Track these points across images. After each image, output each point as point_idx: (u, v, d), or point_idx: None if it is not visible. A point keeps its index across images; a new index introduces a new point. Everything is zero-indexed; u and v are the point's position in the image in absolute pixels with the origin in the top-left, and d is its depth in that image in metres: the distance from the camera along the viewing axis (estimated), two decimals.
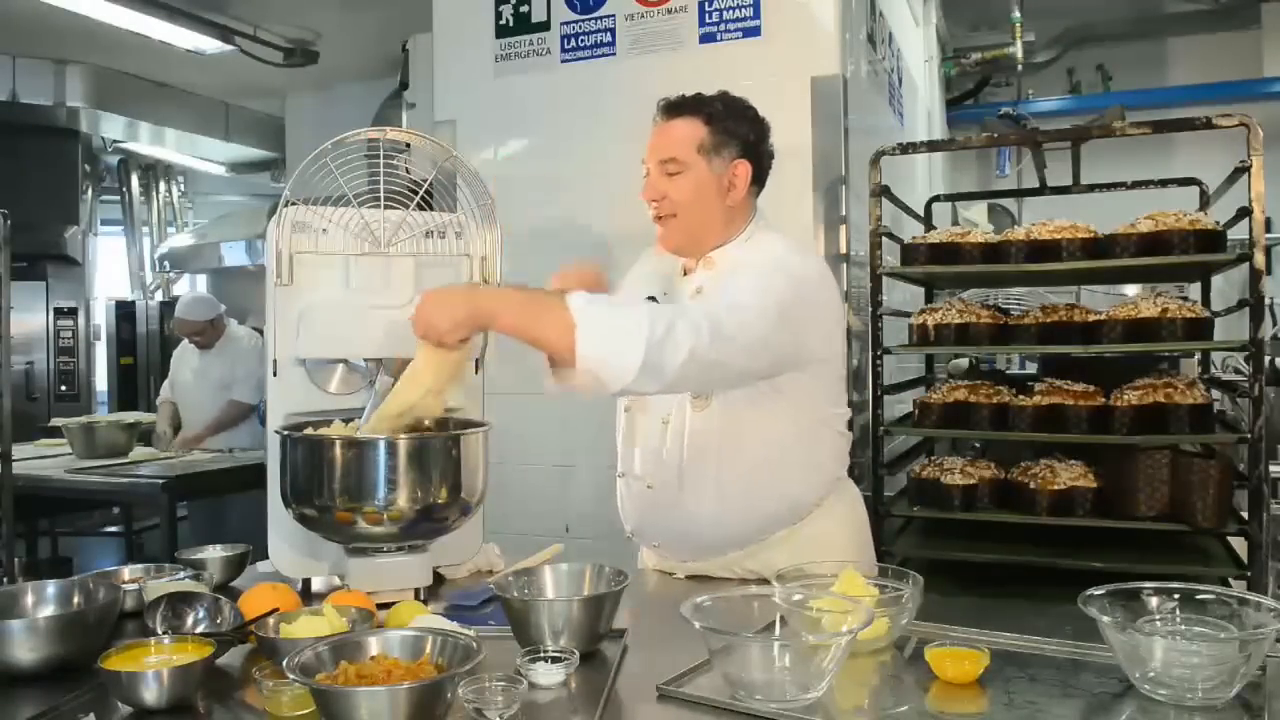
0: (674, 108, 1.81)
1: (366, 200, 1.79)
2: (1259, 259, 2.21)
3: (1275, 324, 4.51)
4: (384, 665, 1.15)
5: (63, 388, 6.92)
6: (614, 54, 3.07)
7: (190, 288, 7.03)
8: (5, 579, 3.51)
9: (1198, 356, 2.98)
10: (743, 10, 2.91)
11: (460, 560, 1.90)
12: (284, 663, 1.12)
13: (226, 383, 4.89)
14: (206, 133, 7.53)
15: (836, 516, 1.87)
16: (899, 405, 3.01)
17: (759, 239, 1.84)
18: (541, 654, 1.29)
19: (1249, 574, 2.21)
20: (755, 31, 2.90)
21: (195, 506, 4.76)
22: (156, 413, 5.12)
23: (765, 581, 1.48)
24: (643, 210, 2.97)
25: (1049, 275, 2.54)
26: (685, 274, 1.89)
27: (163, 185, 8.47)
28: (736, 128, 1.80)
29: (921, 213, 3.04)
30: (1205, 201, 2.73)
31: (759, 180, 1.85)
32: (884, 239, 2.60)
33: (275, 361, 1.79)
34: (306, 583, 1.79)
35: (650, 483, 1.84)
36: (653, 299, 1.87)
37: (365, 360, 1.81)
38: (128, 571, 1.69)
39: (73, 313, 7.07)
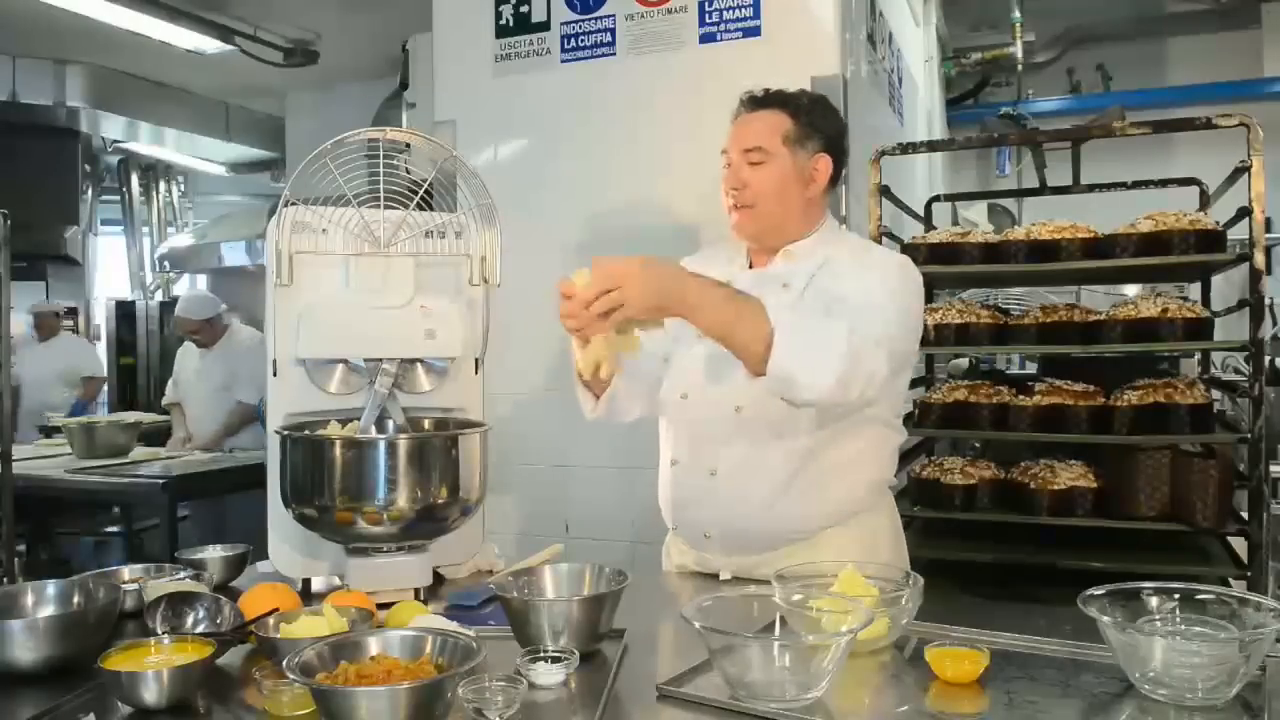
0: (759, 100, 1.82)
1: (366, 200, 1.79)
2: (1259, 259, 2.21)
3: (1275, 324, 4.50)
4: (384, 665, 1.15)
5: None
6: (614, 54, 3.07)
7: (190, 288, 7.03)
8: (5, 579, 3.51)
9: (1198, 356, 2.98)
10: (743, 10, 2.91)
11: (460, 560, 1.89)
12: (284, 663, 1.12)
13: (228, 383, 4.86)
14: (206, 133, 7.53)
15: (884, 516, 1.88)
16: None
17: (839, 236, 1.89)
18: (541, 654, 1.29)
19: (1249, 574, 2.22)
20: (755, 31, 2.90)
21: (196, 506, 4.76)
22: (169, 416, 5.12)
23: (766, 582, 1.48)
24: (643, 210, 2.99)
25: (1049, 275, 2.54)
26: (750, 267, 1.87)
27: (163, 185, 8.49)
28: (821, 122, 1.82)
29: (921, 213, 3.05)
30: (1205, 201, 2.73)
31: (835, 178, 1.86)
32: (884, 239, 2.60)
33: (275, 361, 1.79)
34: (306, 583, 1.79)
35: (714, 469, 1.80)
36: None
37: (365, 360, 1.81)
38: (128, 571, 1.69)
39: (73, 313, 7.07)
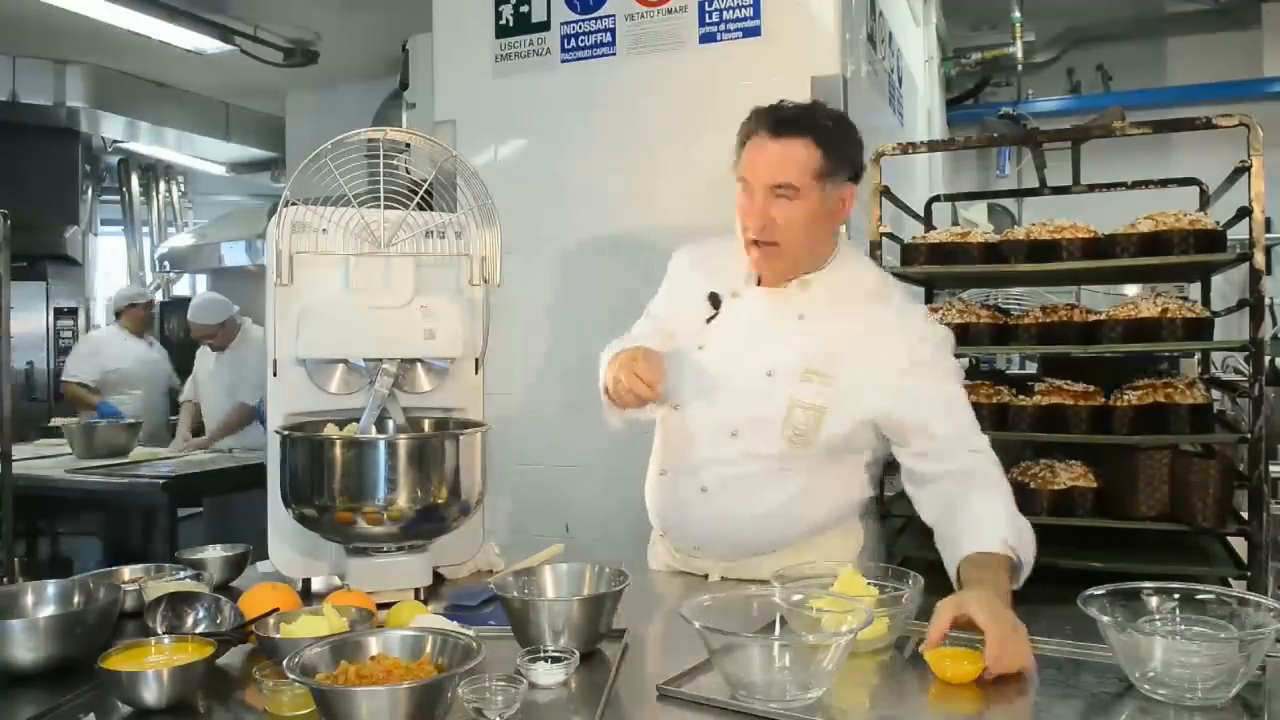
0: (785, 125, 1.65)
1: (366, 200, 1.79)
2: (1259, 259, 2.21)
3: (1275, 324, 4.50)
4: (384, 665, 1.15)
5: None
6: (614, 54, 3.07)
7: (190, 288, 7.01)
8: (5, 579, 3.51)
9: (1198, 356, 2.97)
10: (743, 10, 2.91)
11: (460, 560, 1.90)
12: (284, 663, 1.12)
13: (236, 384, 4.84)
14: (206, 133, 7.52)
15: (868, 520, 1.94)
16: None
17: (849, 261, 1.81)
18: (541, 654, 1.29)
19: (1249, 574, 2.21)
20: (755, 31, 2.90)
21: (204, 504, 4.76)
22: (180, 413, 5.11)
23: (765, 582, 1.48)
24: (642, 211, 2.99)
25: (1049, 275, 2.53)
26: (759, 283, 1.80)
27: (163, 185, 8.47)
28: (848, 150, 1.71)
29: (921, 213, 3.04)
30: (1205, 201, 2.72)
31: None
32: (884, 239, 2.60)
33: (275, 361, 1.79)
34: (306, 583, 1.79)
35: (705, 485, 1.80)
36: (715, 295, 1.81)
37: (365, 360, 1.81)
38: (128, 571, 1.69)
39: (73, 313, 7.07)
